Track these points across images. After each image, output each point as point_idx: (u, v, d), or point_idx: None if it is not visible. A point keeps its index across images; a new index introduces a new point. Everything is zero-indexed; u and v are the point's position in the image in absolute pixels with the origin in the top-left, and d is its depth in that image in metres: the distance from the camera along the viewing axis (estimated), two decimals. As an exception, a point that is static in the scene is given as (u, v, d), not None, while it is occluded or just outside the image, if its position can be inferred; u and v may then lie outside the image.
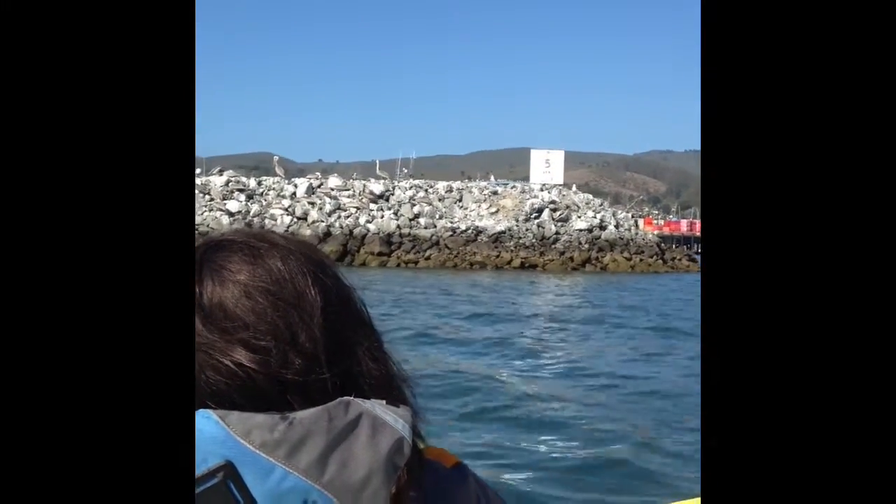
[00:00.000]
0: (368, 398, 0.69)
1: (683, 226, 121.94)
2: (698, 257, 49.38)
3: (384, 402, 0.69)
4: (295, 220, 39.81)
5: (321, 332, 0.71)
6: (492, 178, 48.72)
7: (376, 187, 43.62)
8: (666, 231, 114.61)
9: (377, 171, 48.32)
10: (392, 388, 0.75)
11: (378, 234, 39.50)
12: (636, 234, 43.36)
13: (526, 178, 50.83)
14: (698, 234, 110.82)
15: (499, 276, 32.51)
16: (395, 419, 0.68)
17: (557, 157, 49.33)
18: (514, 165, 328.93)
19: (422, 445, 0.75)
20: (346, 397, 0.67)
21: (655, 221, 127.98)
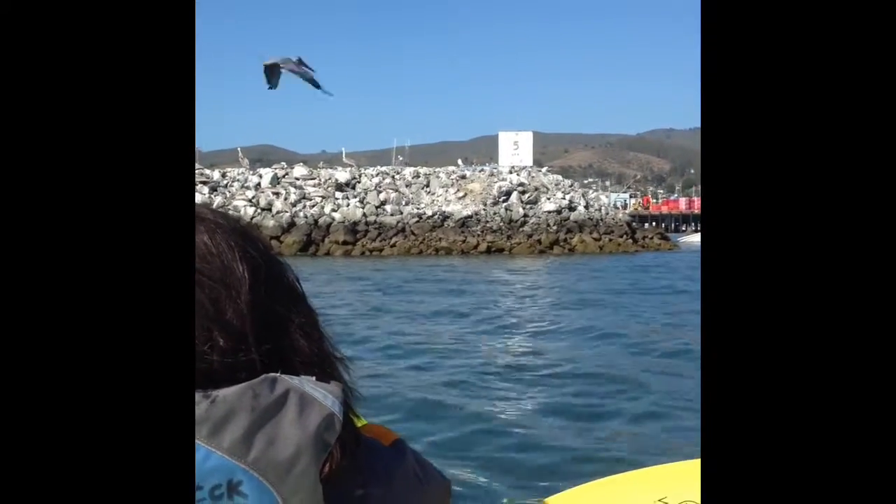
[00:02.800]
0: (300, 372, 0.68)
1: (682, 204, 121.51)
2: (672, 235, 48.94)
3: (314, 378, 0.68)
4: (259, 210, 39.34)
5: (249, 309, 0.69)
6: (460, 162, 48.04)
7: (342, 175, 43.09)
8: (664, 210, 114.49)
9: (343, 160, 47.80)
10: (324, 365, 0.73)
11: (343, 222, 39.01)
12: (606, 213, 42.66)
13: (535, 164, 50.11)
14: (696, 211, 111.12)
15: (464, 262, 32.00)
16: (324, 395, 0.66)
17: (526, 138, 48.62)
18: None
19: (358, 423, 0.75)
20: (271, 374, 0.66)
21: (654, 200, 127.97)
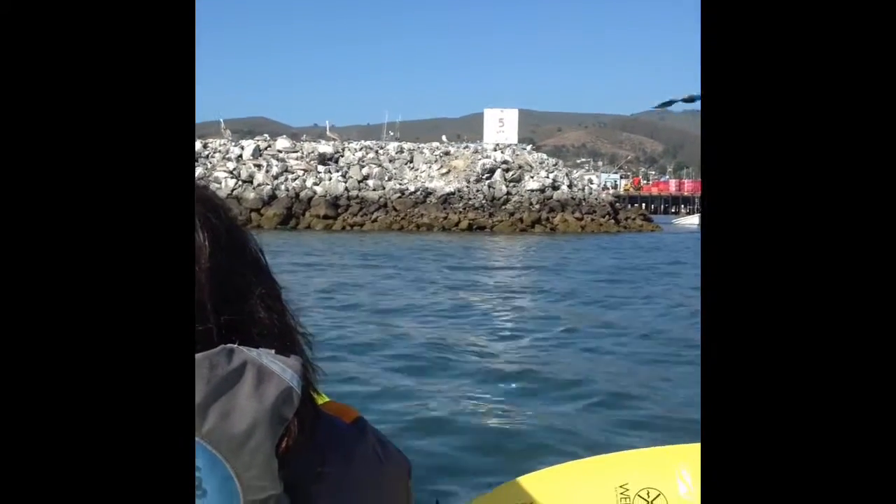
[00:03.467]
0: (260, 345, 0.66)
1: (672, 186, 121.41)
2: (662, 217, 48.72)
3: (273, 351, 0.66)
4: (240, 183, 39.02)
5: (207, 278, 0.67)
6: (444, 138, 47.70)
7: (325, 149, 42.75)
8: (654, 191, 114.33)
9: (327, 133, 47.39)
10: (285, 338, 0.72)
11: (325, 196, 38.77)
12: (589, 193, 42.50)
13: (527, 142, 49.92)
14: (686, 193, 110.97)
15: (446, 238, 31.82)
16: (282, 369, 0.65)
17: (511, 115, 48.23)
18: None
19: (319, 400, 0.74)
20: (229, 345, 0.64)
21: (644, 181, 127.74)
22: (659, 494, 1.43)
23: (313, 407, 0.70)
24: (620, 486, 1.46)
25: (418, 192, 40.12)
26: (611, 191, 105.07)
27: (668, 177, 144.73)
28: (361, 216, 38.48)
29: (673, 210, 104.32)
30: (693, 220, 56.62)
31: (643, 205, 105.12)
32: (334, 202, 38.73)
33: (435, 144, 45.54)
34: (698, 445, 1.57)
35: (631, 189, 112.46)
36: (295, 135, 51.87)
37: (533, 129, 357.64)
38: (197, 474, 0.60)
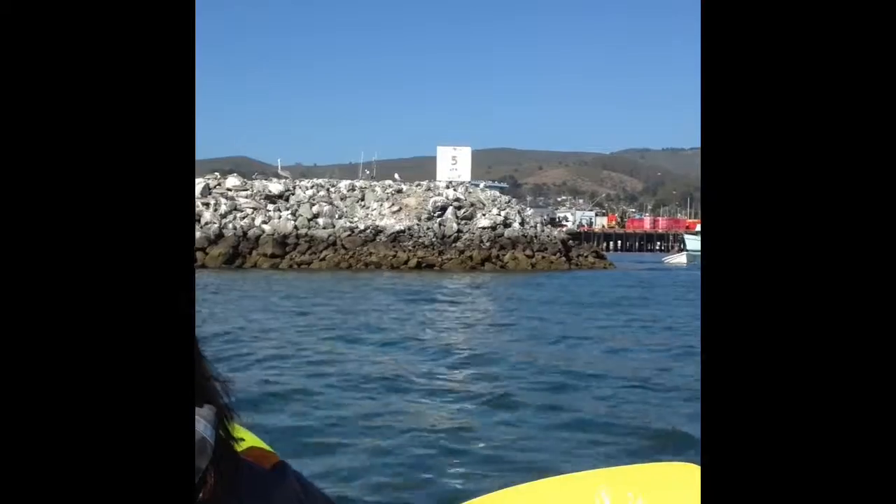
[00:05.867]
0: None
1: (647, 223, 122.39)
2: (607, 254, 48.47)
3: None
4: (186, 221, 38.47)
5: None
6: (396, 175, 47.52)
7: (275, 187, 42.40)
8: (629, 229, 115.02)
9: (279, 171, 47.13)
10: (199, 388, 0.70)
11: (273, 235, 38.28)
12: (540, 231, 42.24)
13: (508, 180, 49.97)
14: (661, 230, 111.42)
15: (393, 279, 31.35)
16: (196, 420, 0.64)
17: (464, 153, 48.24)
18: (491, 166, 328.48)
19: (238, 447, 0.74)
20: None
21: (619, 219, 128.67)
22: None
23: (231, 454, 0.70)
24: None
25: (368, 231, 39.72)
26: (585, 228, 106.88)
27: (647, 214, 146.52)
28: (309, 255, 37.98)
29: (649, 248, 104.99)
30: (682, 259, 56.13)
31: (619, 242, 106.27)
32: (282, 241, 38.23)
33: (387, 182, 45.27)
34: (616, 469, 1.52)
35: (616, 227, 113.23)
36: (276, 174, 51.44)
37: (515, 168, 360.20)
38: None
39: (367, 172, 53.17)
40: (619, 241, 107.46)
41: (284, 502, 0.74)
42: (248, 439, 0.78)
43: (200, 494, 0.63)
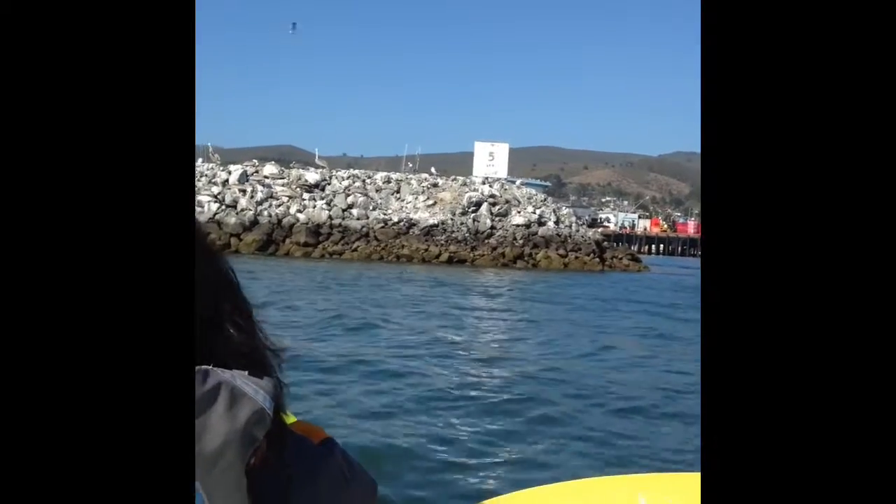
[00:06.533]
0: (230, 368, 0.68)
1: (691, 228, 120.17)
2: (649, 258, 47.59)
3: (246, 372, 0.68)
4: (223, 207, 38.89)
5: None
6: (432, 169, 47.38)
7: (312, 176, 42.59)
8: (671, 233, 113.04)
9: (316, 161, 47.35)
10: (256, 359, 0.73)
11: (307, 224, 38.45)
12: (575, 231, 41.74)
13: (553, 179, 49.83)
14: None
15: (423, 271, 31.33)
16: (255, 390, 0.66)
17: (502, 150, 47.88)
18: (536, 164, 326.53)
19: (288, 420, 0.76)
20: (204, 366, 0.66)
21: (663, 223, 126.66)
22: None
23: (282, 427, 0.72)
24: None
25: (402, 223, 39.68)
26: (627, 230, 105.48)
27: (692, 218, 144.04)
28: (342, 245, 38.06)
29: (692, 252, 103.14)
30: None
31: (662, 246, 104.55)
32: (316, 230, 38.38)
33: (423, 176, 45.21)
34: (656, 475, 1.60)
35: (668, 231, 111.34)
36: (368, 165, 51.89)
37: (561, 167, 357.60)
38: None
39: (410, 165, 53.13)
40: (663, 245, 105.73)
41: (330, 475, 0.76)
42: (289, 416, 0.79)
43: (252, 461, 0.64)
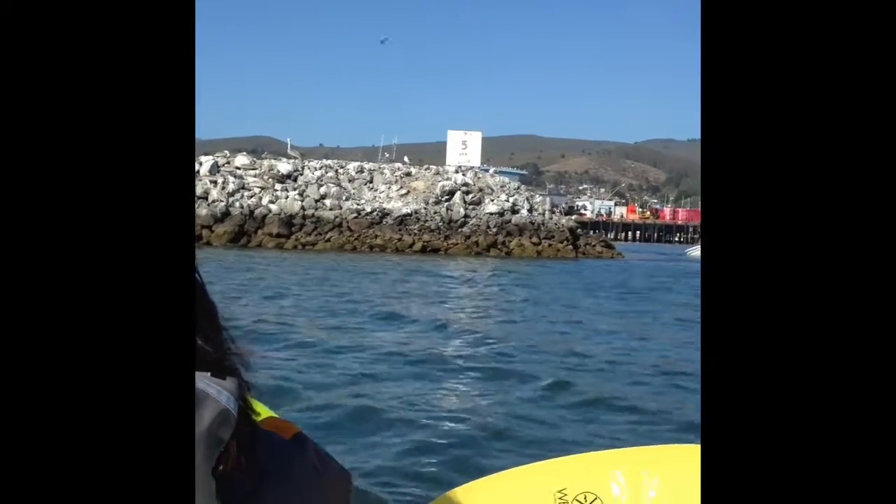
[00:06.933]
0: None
1: (667, 214, 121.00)
2: (625, 244, 47.81)
3: (208, 374, 0.67)
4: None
5: None
6: (406, 158, 47.24)
7: (283, 166, 42.29)
8: (649, 219, 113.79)
9: (288, 150, 47.01)
10: (220, 359, 0.72)
11: (279, 215, 38.20)
12: (548, 218, 41.84)
13: (531, 167, 49.74)
14: (680, 222, 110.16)
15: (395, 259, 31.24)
16: (218, 391, 0.66)
17: (475, 138, 47.80)
18: (514, 153, 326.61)
19: (257, 417, 0.75)
20: None
21: (639, 209, 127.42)
22: (595, 498, 1.48)
23: (251, 425, 0.71)
24: (558, 491, 1.50)
25: (375, 213, 39.56)
26: (604, 217, 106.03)
27: (668, 205, 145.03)
28: (315, 236, 37.89)
29: (668, 239, 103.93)
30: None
31: (638, 232, 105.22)
32: (288, 221, 38.16)
33: (397, 165, 45.05)
34: (630, 449, 1.61)
35: (651, 217, 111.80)
36: (303, 154, 51.62)
37: (538, 155, 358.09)
38: None
39: (387, 155, 52.93)
40: (639, 232, 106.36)
41: (302, 471, 0.76)
42: (262, 412, 0.79)
43: (223, 465, 0.64)
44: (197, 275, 0.72)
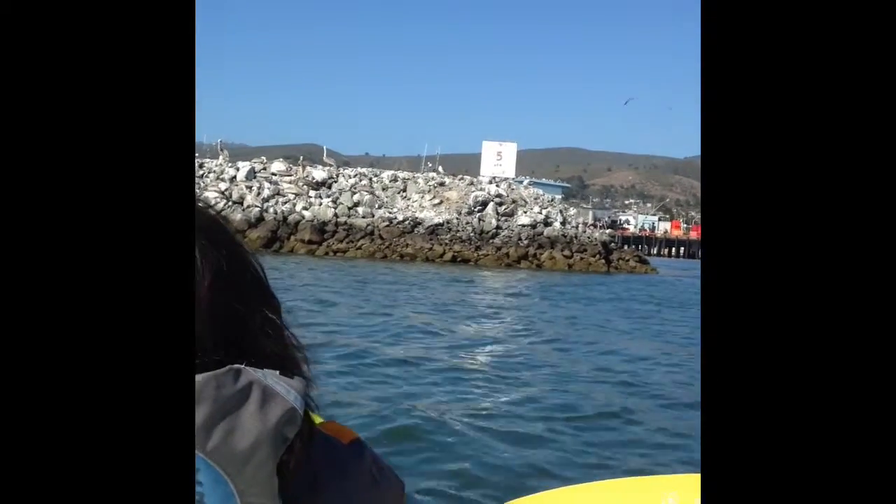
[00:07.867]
0: (261, 367, 0.68)
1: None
2: (668, 260, 46.84)
3: (277, 372, 0.68)
4: (229, 204, 39.03)
5: (208, 313, 0.67)
6: (440, 168, 47.23)
7: (318, 174, 42.64)
8: (693, 236, 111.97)
9: (324, 158, 47.40)
10: (286, 359, 0.73)
11: (312, 221, 38.51)
12: (581, 231, 41.36)
13: (576, 180, 49.70)
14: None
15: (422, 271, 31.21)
16: (286, 390, 0.67)
17: (510, 149, 47.57)
18: (559, 165, 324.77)
19: (317, 419, 0.76)
20: (235, 365, 0.66)
21: (684, 226, 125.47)
22: None
23: (311, 426, 0.72)
24: None
25: (407, 222, 39.59)
26: (647, 232, 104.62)
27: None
28: (346, 243, 38.06)
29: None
30: None
31: (682, 248, 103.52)
32: (321, 227, 38.42)
33: (431, 175, 45.08)
34: (684, 476, 1.58)
35: (693, 233, 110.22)
36: (346, 163, 52.17)
37: (584, 168, 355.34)
38: (199, 489, 0.62)
39: (430, 165, 53.09)
40: (683, 248, 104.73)
41: (358, 475, 0.76)
42: (315, 417, 0.79)
43: (287, 463, 0.65)
44: (262, 271, 0.74)
